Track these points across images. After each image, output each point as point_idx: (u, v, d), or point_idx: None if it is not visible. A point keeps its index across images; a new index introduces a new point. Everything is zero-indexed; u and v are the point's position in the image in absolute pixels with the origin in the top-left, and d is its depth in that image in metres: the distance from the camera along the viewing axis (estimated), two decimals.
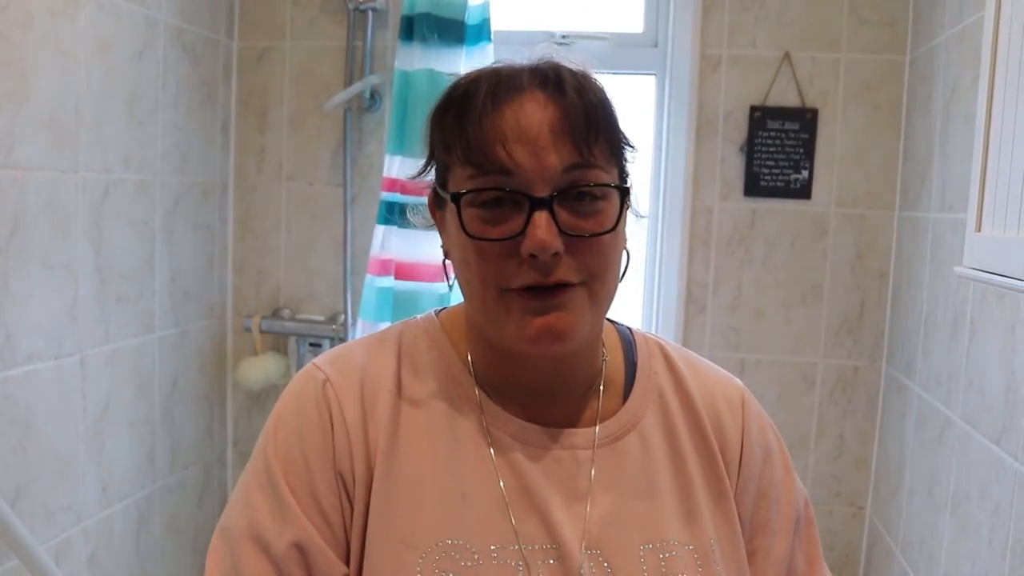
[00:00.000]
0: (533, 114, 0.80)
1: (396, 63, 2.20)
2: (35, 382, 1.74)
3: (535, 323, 0.82)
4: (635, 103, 2.44)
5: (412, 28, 2.17)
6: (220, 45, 2.39)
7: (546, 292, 0.81)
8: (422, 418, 0.89)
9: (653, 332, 1.04)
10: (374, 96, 2.41)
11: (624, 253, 0.89)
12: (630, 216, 0.90)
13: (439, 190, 0.88)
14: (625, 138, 0.87)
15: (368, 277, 2.21)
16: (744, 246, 2.34)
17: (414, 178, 0.91)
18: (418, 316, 0.98)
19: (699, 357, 1.03)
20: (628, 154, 0.88)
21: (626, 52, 2.40)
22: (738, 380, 1.01)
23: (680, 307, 2.36)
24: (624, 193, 0.85)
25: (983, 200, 1.21)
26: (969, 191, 1.26)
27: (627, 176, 0.88)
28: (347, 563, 0.86)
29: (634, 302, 2.45)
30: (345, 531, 0.86)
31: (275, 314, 2.47)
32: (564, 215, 0.80)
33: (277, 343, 2.51)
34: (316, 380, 0.89)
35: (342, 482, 0.86)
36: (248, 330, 2.45)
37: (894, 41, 2.25)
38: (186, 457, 2.34)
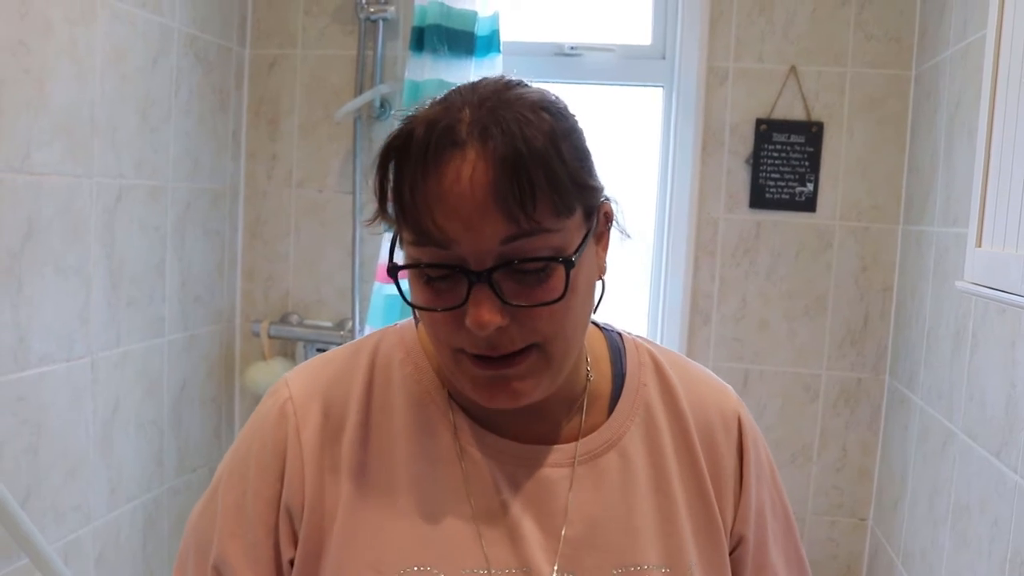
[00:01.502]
0: (463, 180, 0.72)
1: (406, 73, 2.23)
2: (47, 384, 1.76)
3: (489, 387, 0.79)
4: (642, 115, 2.46)
5: (422, 39, 2.20)
6: (232, 53, 2.42)
7: (498, 361, 0.77)
8: (393, 437, 0.86)
9: (648, 338, 0.99)
10: (384, 105, 2.43)
11: (599, 284, 0.84)
12: (615, 235, 0.86)
13: (392, 243, 0.82)
14: (581, 181, 0.77)
15: (376, 284, 2.24)
16: (749, 258, 2.36)
17: (368, 223, 0.82)
18: (399, 323, 0.95)
19: (694, 365, 0.99)
20: (594, 191, 0.79)
21: (634, 64, 2.42)
22: (733, 392, 0.98)
23: (685, 318, 2.37)
24: (570, 266, 0.76)
25: (984, 216, 1.23)
26: (970, 207, 1.28)
27: (596, 210, 0.81)
28: None
29: (639, 312, 2.47)
30: (277, 563, 0.85)
31: (284, 319, 2.50)
32: (508, 285, 0.75)
33: (285, 348, 2.53)
34: (280, 398, 0.88)
35: (287, 513, 0.84)
36: (257, 335, 2.48)
37: (899, 56, 2.27)
38: (193, 460, 2.37)
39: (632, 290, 2.49)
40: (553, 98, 0.79)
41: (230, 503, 0.86)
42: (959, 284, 1.28)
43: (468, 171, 0.72)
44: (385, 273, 2.19)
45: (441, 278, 0.76)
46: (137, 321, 2.07)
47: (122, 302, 2.01)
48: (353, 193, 2.44)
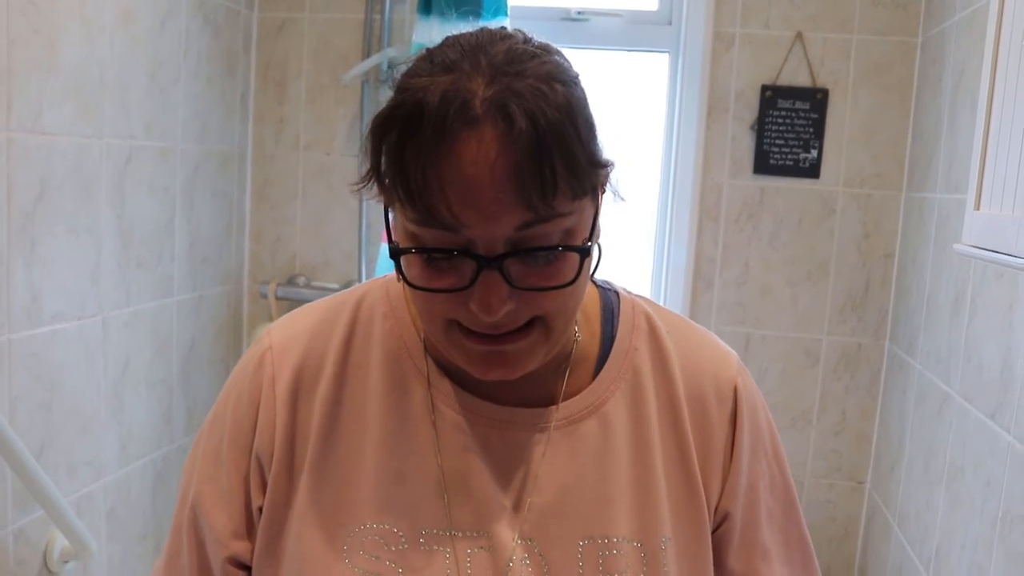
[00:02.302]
0: (481, 164, 0.67)
1: (414, 36, 2.23)
2: (59, 341, 1.80)
3: (484, 359, 0.76)
4: (648, 81, 2.47)
5: (430, 2, 2.20)
6: (241, 16, 2.43)
7: (496, 337, 0.74)
8: (367, 393, 0.85)
9: (650, 299, 0.94)
10: (391, 69, 2.44)
11: (596, 248, 0.78)
12: (608, 196, 0.80)
13: (386, 225, 0.78)
14: (596, 159, 0.74)
15: (382, 245, 2.26)
16: (752, 223, 2.38)
17: (355, 189, 0.77)
18: (387, 276, 0.91)
19: (697, 329, 0.94)
20: (604, 164, 0.76)
21: (640, 29, 2.43)
22: (734, 357, 0.92)
23: (688, 282, 2.40)
24: (585, 253, 0.74)
25: (982, 179, 1.25)
26: (969, 170, 1.29)
27: (604, 184, 0.78)
28: (250, 539, 0.86)
29: (643, 276, 2.49)
30: (247, 510, 0.86)
31: (291, 281, 2.53)
32: (516, 269, 0.71)
33: (292, 309, 2.55)
34: (260, 348, 0.88)
35: (258, 462, 0.85)
36: (264, 296, 2.51)
37: (906, 23, 2.28)
38: (201, 419, 2.38)
39: (636, 255, 2.51)
40: (561, 61, 0.74)
41: (209, 449, 0.89)
42: (957, 246, 1.30)
43: (487, 154, 0.67)
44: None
45: (445, 258, 0.72)
46: (147, 281, 2.10)
47: (132, 262, 2.03)
48: (360, 156, 2.46)
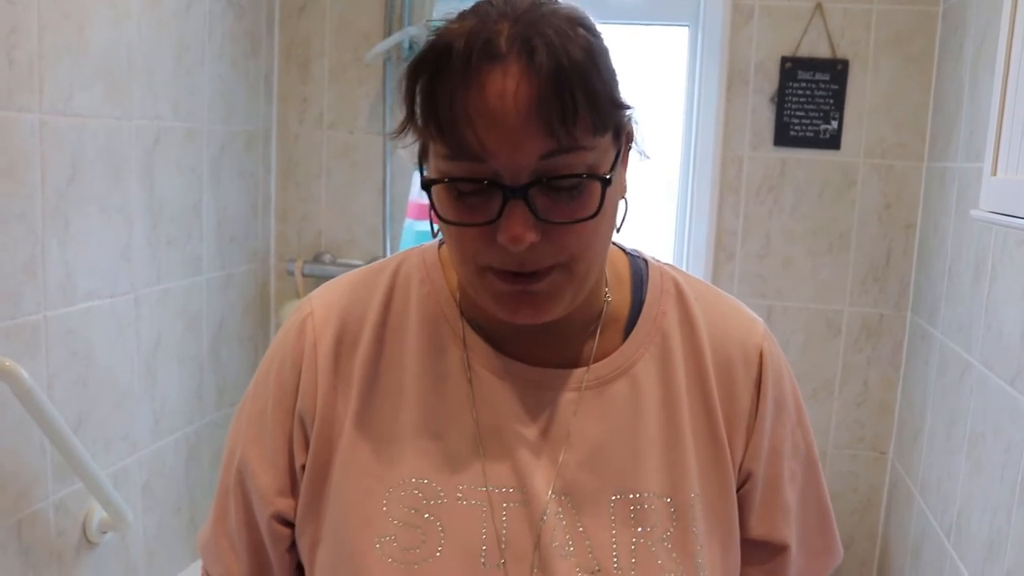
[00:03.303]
0: (507, 93, 0.71)
1: (435, 14, 2.26)
2: (93, 318, 1.84)
3: (513, 301, 0.79)
4: (668, 54, 2.48)
5: None
6: None
7: (523, 276, 0.77)
8: (405, 354, 0.88)
9: (677, 267, 0.97)
10: (412, 47, 2.46)
11: (622, 202, 0.83)
12: (634, 156, 0.85)
13: (419, 159, 0.83)
14: (617, 102, 0.78)
15: (407, 221, 2.29)
16: (773, 195, 2.39)
17: (393, 136, 0.82)
18: (423, 244, 0.95)
19: (724, 297, 0.97)
20: (625, 106, 0.79)
21: (659, 3, 2.44)
22: (760, 324, 0.95)
23: (709, 254, 2.41)
24: (607, 184, 0.77)
25: (999, 144, 1.26)
26: (986, 136, 1.30)
27: (624, 129, 0.81)
28: (294, 496, 0.89)
29: (665, 249, 2.51)
30: (291, 468, 0.89)
31: (316, 258, 2.57)
32: (542, 201, 0.74)
33: (318, 286, 2.59)
34: (302, 314, 0.92)
35: (301, 421, 0.88)
36: (291, 274, 2.55)
37: None
38: (231, 395, 2.45)
39: (657, 227, 2.53)
40: (584, 14, 0.78)
41: (254, 411, 0.92)
42: (974, 212, 1.31)
43: (511, 85, 0.71)
44: (416, 210, 2.26)
45: (473, 193, 0.75)
46: (176, 260, 2.14)
47: (162, 241, 2.08)
48: (383, 134, 2.49)
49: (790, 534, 0.93)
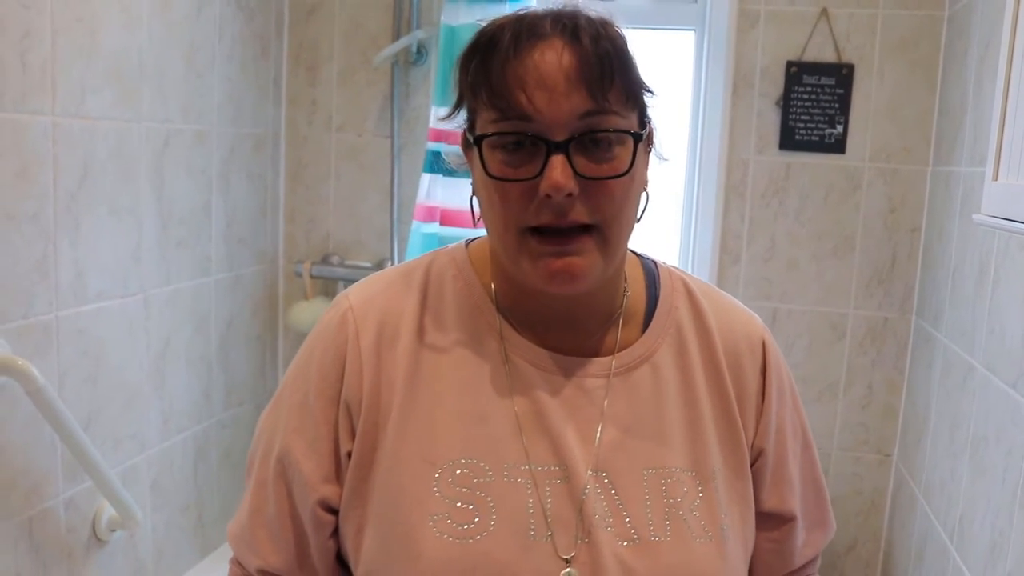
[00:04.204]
0: (552, 61, 0.83)
1: (442, 18, 2.27)
2: (104, 318, 1.86)
3: (551, 265, 0.86)
4: (674, 58, 2.49)
5: None
6: (272, 1, 2.48)
7: (561, 237, 0.86)
8: (445, 345, 0.95)
9: (680, 268, 1.08)
10: (421, 50, 2.48)
11: (643, 195, 0.93)
12: (652, 159, 0.95)
13: (467, 132, 0.92)
14: (643, 84, 0.89)
15: (414, 223, 2.31)
16: (778, 199, 2.40)
17: (445, 119, 0.94)
18: (451, 245, 1.04)
19: (723, 293, 1.07)
20: (648, 99, 0.91)
21: (666, 7, 2.45)
22: (759, 320, 1.06)
23: (715, 257, 2.43)
24: (638, 139, 0.87)
25: (1001, 149, 1.27)
26: (989, 140, 1.31)
27: (648, 120, 0.91)
28: (338, 483, 0.94)
29: (670, 252, 2.52)
30: (335, 456, 0.93)
31: (325, 260, 2.59)
32: (580, 159, 0.84)
33: (327, 288, 2.62)
34: (341, 308, 0.97)
35: (347, 409, 0.93)
36: (299, 275, 2.57)
37: None
38: (239, 395, 2.47)
39: (663, 231, 2.54)
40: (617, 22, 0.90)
41: (294, 402, 0.96)
42: (976, 217, 1.32)
43: (555, 56, 0.83)
44: (423, 213, 2.27)
45: (518, 147, 0.85)
46: (186, 261, 2.16)
47: (171, 242, 2.10)
48: (391, 137, 2.51)
49: (796, 506, 1.04)
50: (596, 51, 0.84)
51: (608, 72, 0.84)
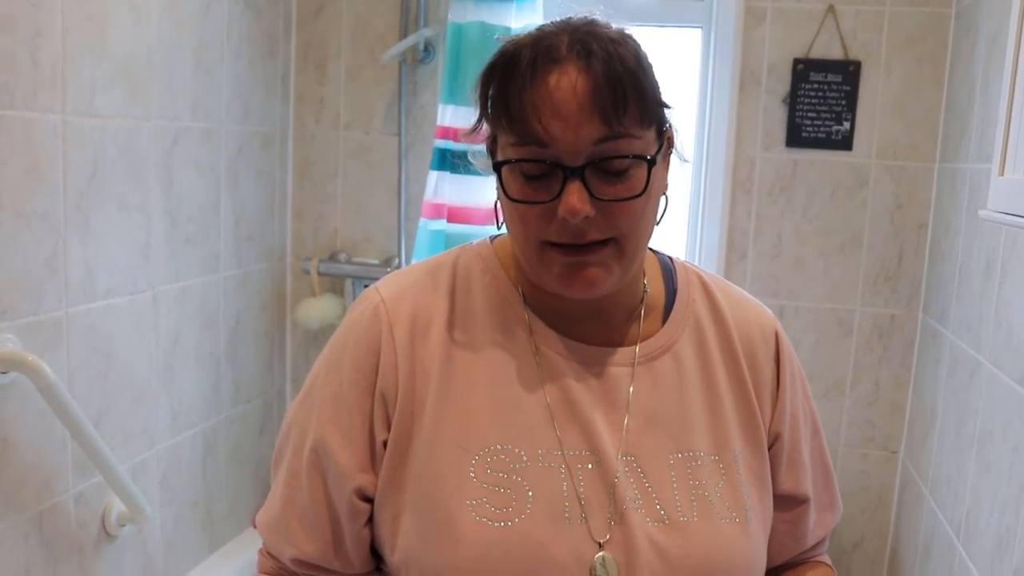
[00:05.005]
0: (566, 88, 0.85)
1: (449, 16, 2.28)
2: (113, 315, 1.88)
3: (570, 275, 0.91)
4: (681, 56, 2.49)
5: None
6: None
7: (579, 249, 0.89)
8: (476, 336, 0.98)
9: (693, 263, 1.13)
10: (428, 48, 2.49)
11: (663, 199, 0.97)
12: (674, 160, 0.99)
13: (489, 148, 0.96)
14: (659, 101, 0.92)
15: (422, 220, 2.32)
16: (785, 196, 2.40)
17: (468, 134, 0.97)
18: (474, 242, 1.07)
19: (734, 286, 1.12)
20: (667, 111, 0.94)
21: (673, 5, 2.45)
22: (770, 312, 1.11)
23: (721, 254, 2.43)
24: (652, 164, 0.90)
25: (1007, 144, 1.27)
26: (995, 136, 1.31)
27: (666, 128, 0.95)
28: (374, 471, 0.96)
29: (677, 248, 2.52)
30: (371, 445, 0.96)
31: (332, 257, 2.60)
32: (595, 182, 0.87)
33: (334, 285, 2.63)
34: (372, 302, 1.00)
35: (382, 399, 0.96)
36: (307, 272, 2.58)
37: None
38: (248, 391, 2.48)
39: (670, 227, 2.54)
40: (631, 32, 0.92)
41: (327, 394, 0.98)
42: (982, 212, 1.32)
43: (570, 80, 0.85)
44: (430, 210, 2.28)
45: (537, 175, 0.88)
46: (194, 258, 2.18)
47: (180, 239, 2.11)
48: (399, 134, 2.52)
49: (809, 488, 1.08)
50: (609, 76, 0.85)
51: (622, 97, 0.86)
